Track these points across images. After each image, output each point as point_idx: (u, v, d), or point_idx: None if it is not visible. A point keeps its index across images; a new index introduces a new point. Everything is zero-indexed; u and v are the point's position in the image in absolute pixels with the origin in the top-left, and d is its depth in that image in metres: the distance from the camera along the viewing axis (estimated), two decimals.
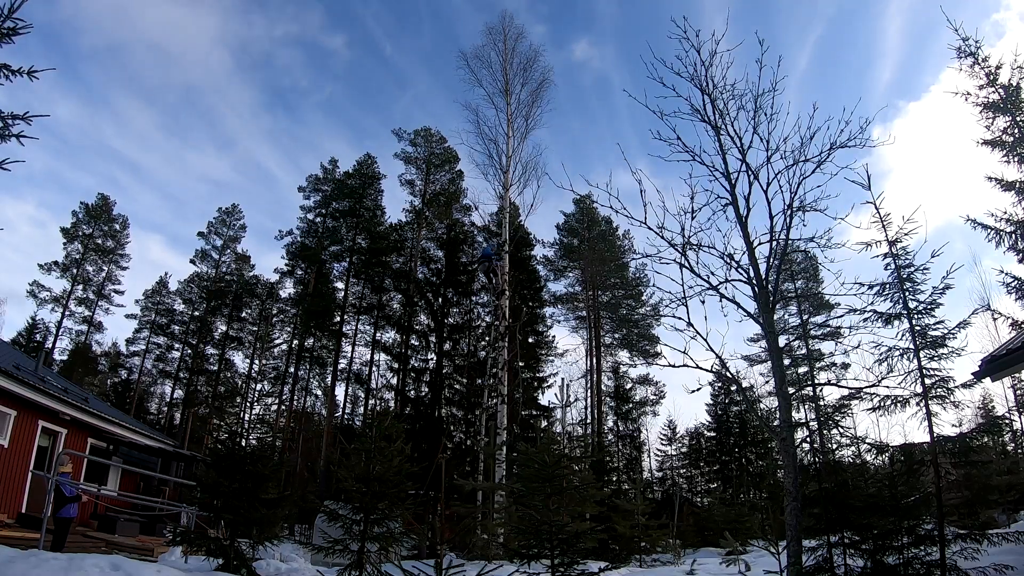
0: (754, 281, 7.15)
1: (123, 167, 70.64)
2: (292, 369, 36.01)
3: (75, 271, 35.74)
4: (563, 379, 23.33)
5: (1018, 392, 25.17)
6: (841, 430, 8.41)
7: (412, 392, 31.69)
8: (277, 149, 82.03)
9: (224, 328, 38.64)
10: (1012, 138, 13.16)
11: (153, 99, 72.20)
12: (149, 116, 72.27)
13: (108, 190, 74.84)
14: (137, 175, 71.27)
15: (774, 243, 7.18)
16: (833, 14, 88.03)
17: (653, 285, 16.36)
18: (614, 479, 28.75)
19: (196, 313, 38.41)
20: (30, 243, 61.58)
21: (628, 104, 78.16)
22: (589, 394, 34.20)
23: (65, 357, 34.44)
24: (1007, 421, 23.21)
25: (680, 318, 7.27)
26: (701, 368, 7.25)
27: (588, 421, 33.54)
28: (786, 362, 20.06)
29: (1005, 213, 12.90)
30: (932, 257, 6.64)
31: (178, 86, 74.76)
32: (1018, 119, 13.07)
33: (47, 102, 62.75)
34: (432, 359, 31.40)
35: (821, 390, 27.23)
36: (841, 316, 7.48)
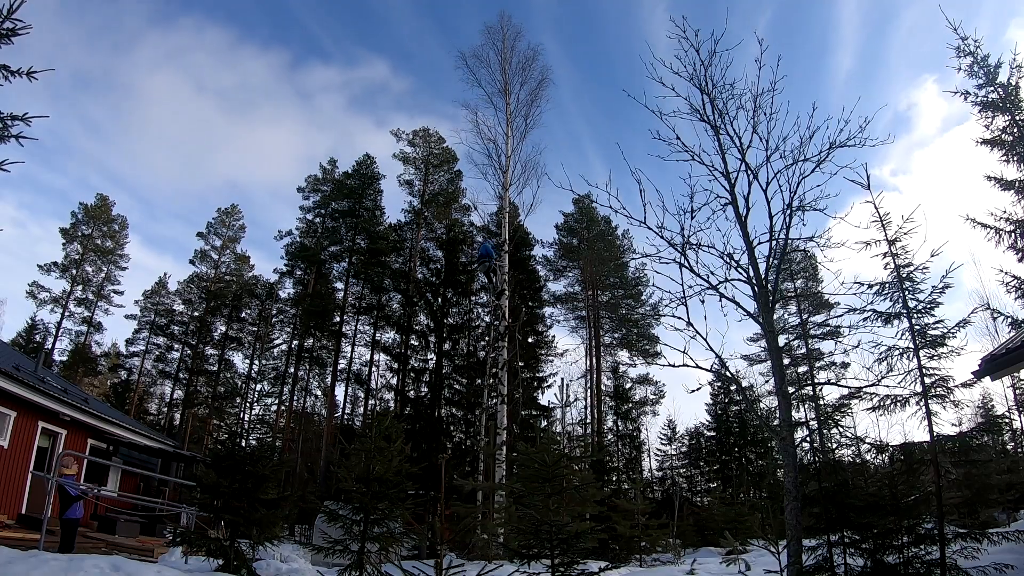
0: (754, 280, 7.16)
1: (93, 167, 70.09)
2: (292, 369, 35.98)
3: (74, 272, 35.72)
4: (563, 379, 23.34)
5: (1018, 391, 25.17)
6: (841, 429, 8.42)
7: (412, 392, 31.67)
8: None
9: (224, 328, 38.62)
10: (1011, 137, 13.18)
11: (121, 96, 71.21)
12: (118, 114, 71.43)
13: (86, 190, 74.66)
14: (106, 175, 70.64)
15: (774, 242, 7.20)
16: None
17: (653, 285, 16.39)
18: (614, 479, 28.79)
19: (196, 314, 38.39)
20: (15, 243, 61.26)
21: (576, 100, 75.57)
22: (589, 394, 34.21)
23: (65, 358, 34.48)
24: (1007, 420, 23.23)
25: (680, 318, 7.29)
26: (701, 368, 7.29)
27: (588, 421, 33.55)
28: (786, 361, 20.07)
29: (1004, 212, 12.93)
30: (932, 256, 6.65)
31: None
32: (1017, 118, 13.08)
33: (16, 104, 62.17)
34: (432, 359, 31.39)
35: (821, 389, 27.24)
36: (841, 315, 7.51)
